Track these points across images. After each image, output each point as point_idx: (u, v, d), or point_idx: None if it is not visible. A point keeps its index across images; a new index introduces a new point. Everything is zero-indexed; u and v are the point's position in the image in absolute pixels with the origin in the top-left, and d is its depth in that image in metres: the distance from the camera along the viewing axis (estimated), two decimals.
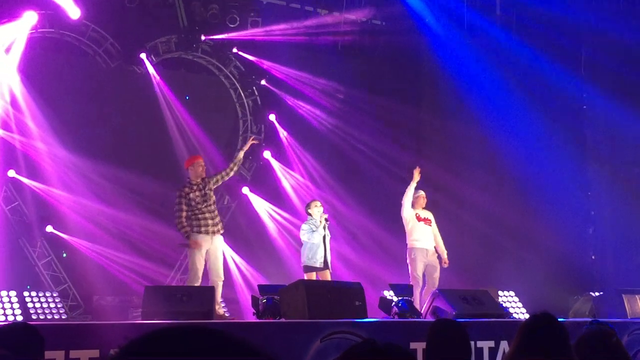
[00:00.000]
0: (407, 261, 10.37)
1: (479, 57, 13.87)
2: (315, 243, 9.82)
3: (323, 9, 13.73)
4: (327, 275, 9.91)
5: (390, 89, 14.38)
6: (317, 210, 10.01)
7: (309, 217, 10.08)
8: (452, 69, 13.93)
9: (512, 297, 11.63)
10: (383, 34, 14.22)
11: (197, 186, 9.16)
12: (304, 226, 10.02)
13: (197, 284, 8.82)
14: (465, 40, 13.67)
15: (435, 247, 10.43)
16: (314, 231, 9.84)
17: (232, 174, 9.61)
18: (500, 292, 11.34)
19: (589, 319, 8.12)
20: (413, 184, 10.31)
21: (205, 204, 9.07)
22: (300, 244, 10.19)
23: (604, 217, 13.73)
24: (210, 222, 9.05)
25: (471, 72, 13.96)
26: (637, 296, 9.02)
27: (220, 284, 9.03)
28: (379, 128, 14.01)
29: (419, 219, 10.45)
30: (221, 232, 9.24)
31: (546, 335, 3.46)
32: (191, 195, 9.06)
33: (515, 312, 11.16)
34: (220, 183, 9.52)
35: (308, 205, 10.27)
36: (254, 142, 10.38)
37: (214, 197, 9.35)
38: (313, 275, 9.86)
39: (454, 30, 13.62)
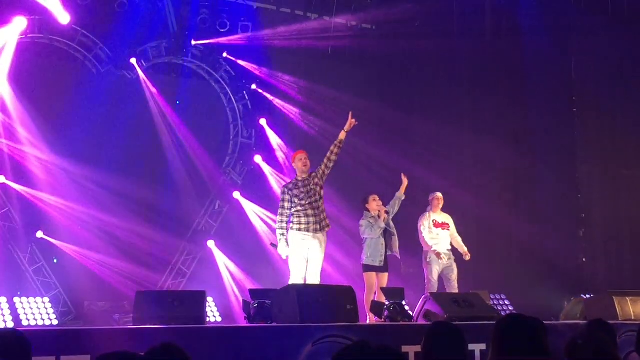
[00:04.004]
0: (423, 265, 10.37)
1: (467, 61, 13.91)
2: (375, 238, 9.63)
3: (313, 14, 13.75)
4: (385, 280, 9.60)
5: (380, 94, 14.42)
6: (375, 204, 9.75)
7: (366, 212, 9.83)
8: (443, 72, 13.96)
9: (503, 299, 11.65)
10: (373, 38, 14.25)
11: (303, 182, 8.87)
12: (362, 222, 9.79)
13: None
14: (456, 44, 13.70)
15: (452, 249, 10.42)
16: (372, 224, 9.66)
17: (333, 157, 8.96)
18: (491, 295, 11.36)
19: (581, 321, 8.13)
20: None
21: (308, 200, 8.75)
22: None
23: (595, 219, 13.75)
24: (312, 219, 8.71)
25: (462, 76, 13.99)
26: (628, 298, 9.03)
27: None
28: (369, 132, 14.00)
29: (436, 225, 10.44)
30: (327, 228, 8.84)
31: (517, 335, 3.53)
32: (295, 191, 8.80)
33: None
34: (328, 172, 8.98)
35: (365, 200, 9.87)
36: (353, 121, 9.25)
37: (321, 192, 8.93)
38: (373, 276, 9.57)
39: (444, 34, 13.64)
